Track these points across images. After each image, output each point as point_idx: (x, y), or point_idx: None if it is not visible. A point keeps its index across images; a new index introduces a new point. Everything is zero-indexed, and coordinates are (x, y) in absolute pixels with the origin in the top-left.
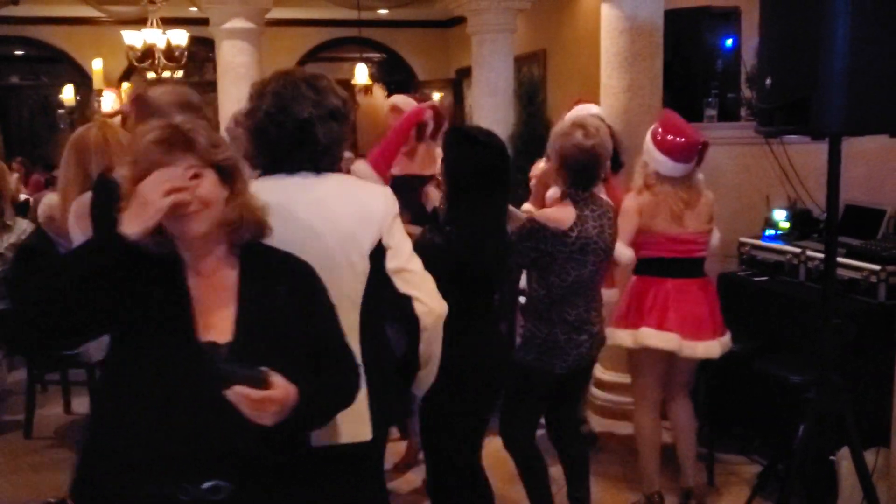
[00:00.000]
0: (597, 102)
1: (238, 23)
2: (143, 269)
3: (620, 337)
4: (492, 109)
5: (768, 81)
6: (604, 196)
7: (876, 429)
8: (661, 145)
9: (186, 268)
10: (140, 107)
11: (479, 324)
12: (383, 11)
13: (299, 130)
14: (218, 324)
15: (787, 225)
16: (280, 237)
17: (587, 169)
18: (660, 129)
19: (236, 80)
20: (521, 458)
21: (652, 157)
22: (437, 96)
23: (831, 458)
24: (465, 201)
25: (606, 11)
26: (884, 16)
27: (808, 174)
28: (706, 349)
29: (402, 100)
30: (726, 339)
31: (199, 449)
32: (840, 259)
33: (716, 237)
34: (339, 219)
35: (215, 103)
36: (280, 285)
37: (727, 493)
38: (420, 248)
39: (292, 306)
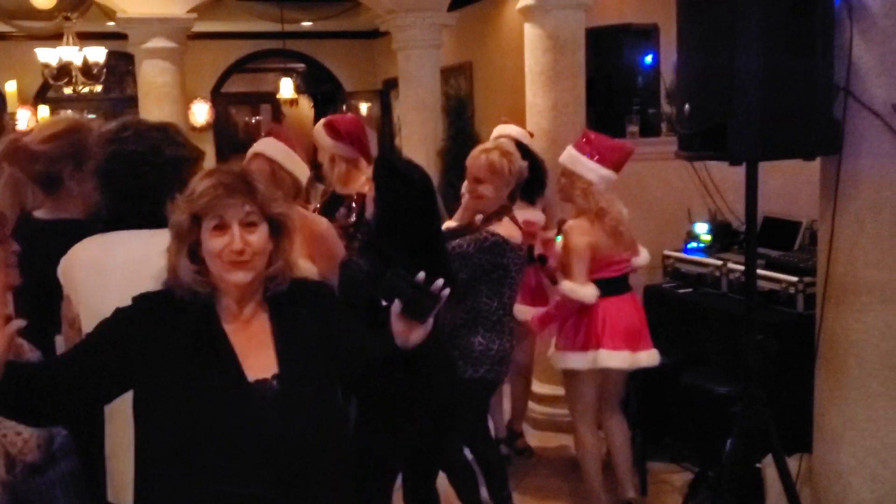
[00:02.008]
0: (524, 119)
1: (159, 42)
2: (178, 319)
3: (574, 360)
4: (420, 125)
5: (687, 107)
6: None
7: (799, 435)
8: (606, 158)
9: (221, 314)
10: (14, 158)
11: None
12: (307, 24)
13: (173, 170)
14: (260, 363)
15: (708, 237)
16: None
17: (519, 188)
18: (597, 145)
19: (158, 100)
20: (458, 469)
21: (597, 175)
22: (364, 108)
23: (758, 465)
24: (394, 235)
25: (529, 31)
26: (795, 45)
27: (727, 188)
28: (649, 357)
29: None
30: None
31: (258, 486)
32: (760, 271)
33: (644, 256)
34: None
35: None
36: (302, 309)
37: (660, 501)
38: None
39: (319, 329)
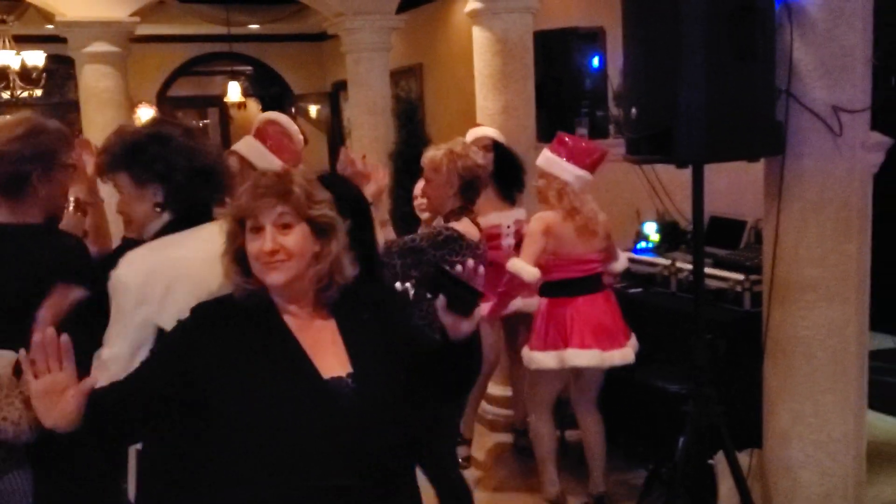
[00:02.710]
0: (474, 121)
1: (100, 46)
2: (241, 322)
3: (543, 360)
4: (371, 128)
5: (634, 112)
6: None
7: (749, 431)
8: (580, 159)
9: (283, 313)
10: None
11: None
12: (254, 26)
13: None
14: (332, 363)
15: (657, 237)
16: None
17: (479, 187)
18: (571, 148)
19: (100, 105)
20: (450, 487)
21: (573, 176)
22: (313, 110)
23: (710, 461)
24: None
25: (478, 34)
26: (738, 49)
27: (675, 188)
28: (623, 356)
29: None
30: (633, 340)
31: (340, 480)
32: (707, 270)
33: (622, 262)
34: None
35: (78, 125)
36: (364, 312)
37: (618, 497)
38: None
39: (382, 329)
